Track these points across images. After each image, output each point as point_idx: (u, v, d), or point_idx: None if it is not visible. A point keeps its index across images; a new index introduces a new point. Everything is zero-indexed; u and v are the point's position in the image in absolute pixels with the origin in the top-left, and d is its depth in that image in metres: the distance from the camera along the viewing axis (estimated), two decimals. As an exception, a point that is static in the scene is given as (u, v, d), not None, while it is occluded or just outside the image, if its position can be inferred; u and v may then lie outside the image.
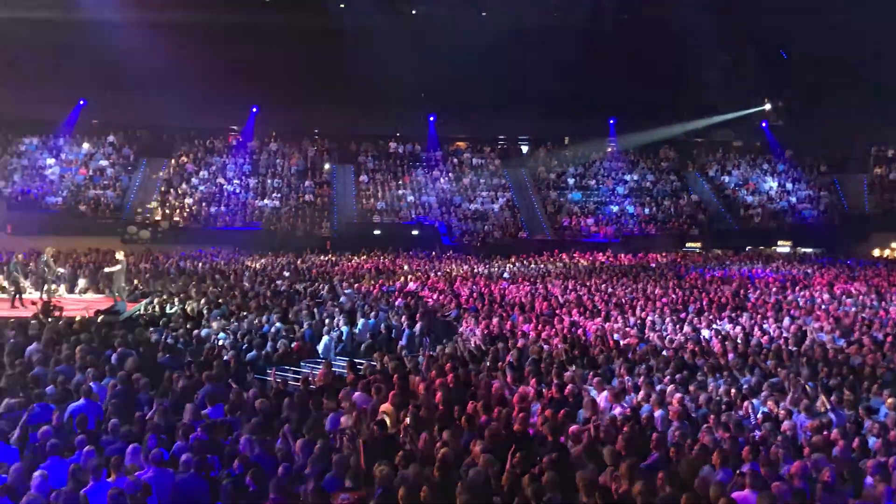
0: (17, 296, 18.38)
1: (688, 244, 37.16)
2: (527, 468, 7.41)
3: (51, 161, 38.53)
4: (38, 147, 39.38)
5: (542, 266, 29.17)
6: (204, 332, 15.44)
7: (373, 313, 17.53)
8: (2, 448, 8.51)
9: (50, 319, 15.87)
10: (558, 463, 7.46)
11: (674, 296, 20.86)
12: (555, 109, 40.53)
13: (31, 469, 7.71)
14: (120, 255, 20.06)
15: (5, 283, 18.90)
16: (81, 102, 39.46)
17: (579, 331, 15.93)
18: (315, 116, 41.47)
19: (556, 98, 39.55)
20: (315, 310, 18.08)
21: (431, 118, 43.02)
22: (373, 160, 42.23)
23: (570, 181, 42.29)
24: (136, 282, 22.64)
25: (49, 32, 33.90)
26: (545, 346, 14.06)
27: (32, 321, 15.40)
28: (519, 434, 8.75)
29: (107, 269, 21.08)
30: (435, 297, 20.91)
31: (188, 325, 16.12)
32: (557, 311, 18.31)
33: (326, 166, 41.49)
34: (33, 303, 18.27)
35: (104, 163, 39.21)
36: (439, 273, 26.15)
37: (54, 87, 37.60)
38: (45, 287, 19.71)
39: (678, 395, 10.58)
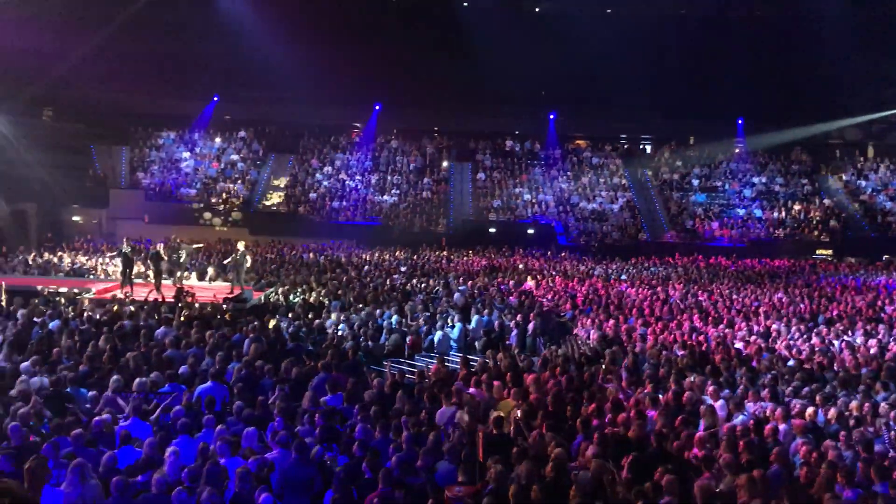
0: (159, 282, 19.54)
1: (818, 251, 35.33)
2: (641, 475, 7.28)
3: (186, 154, 40.66)
4: (174, 141, 41.62)
5: (662, 269, 28.47)
6: (326, 322, 15.94)
7: (486, 311, 17.62)
8: (136, 424, 9.11)
9: (181, 305, 16.84)
10: (674, 471, 7.28)
11: (802, 305, 19.93)
12: (680, 108, 39.39)
13: (164, 445, 8.22)
14: (240, 245, 21.04)
15: (149, 272, 20.06)
16: (215, 99, 41.31)
17: (700, 337, 15.47)
18: (435, 114, 41.97)
19: (682, 96, 38.40)
20: (430, 305, 18.34)
21: (551, 116, 42.70)
22: (490, 158, 42.33)
23: (695, 182, 41.01)
24: (261, 272, 23.70)
25: (186, 33, 35.90)
26: (664, 352, 13.74)
27: (165, 306, 16.39)
28: (633, 440, 8.60)
29: (225, 262, 22.12)
30: (550, 296, 20.79)
31: (309, 315, 16.72)
32: (677, 317, 17.85)
33: (444, 164, 41.91)
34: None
35: (235, 157, 41.04)
36: (555, 272, 25.96)
37: (191, 85, 39.77)
38: (178, 274, 20.88)
39: (810, 409, 10.06)
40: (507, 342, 15.63)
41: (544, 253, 32.12)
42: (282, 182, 39.91)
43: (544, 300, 20.11)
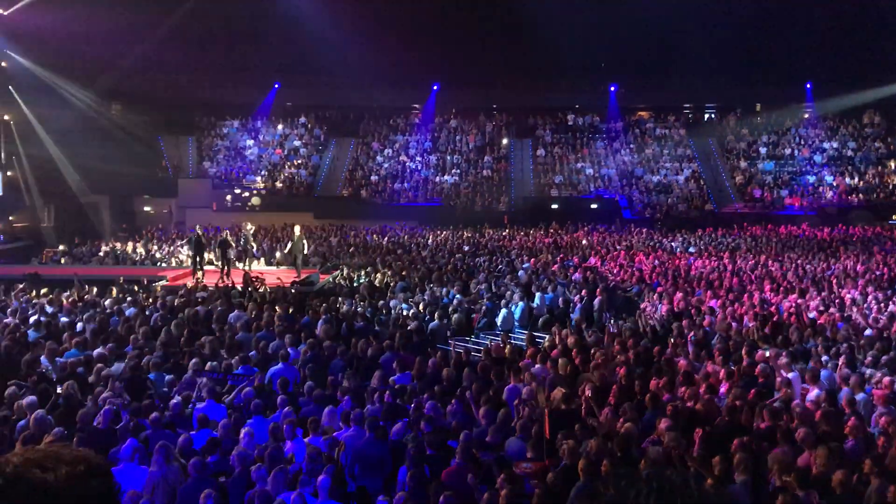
0: (227, 269, 20.02)
1: (894, 217, 34.03)
2: (714, 448, 7.17)
3: (250, 142, 41.40)
4: (238, 129, 42.43)
5: (730, 240, 27.84)
6: (391, 302, 16.12)
7: (550, 287, 17.55)
8: (210, 406, 9.38)
9: (251, 289, 17.23)
10: (748, 445, 7.15)
11: (878, 272, 19.25)
12: (745, 74, 38.23)
13: (238, 426, 8.45)
14: (297, 230, 21.37)
15: (218, 258, 20.59)
16: (276, 86, 41.72)
17: (772, 308, 15.10)
18: (493, 92, 41.70)
19: (747, 62, 37.28)
20: (493, 283, 18.37)
21: (612, 88, 41.97)
22: (550, 133, 41.92)
23: (762, 150, 39.86)
24: (326, 255, 24.08)
25: (246, 20, 36.41)
26: (734, 324, 13.46)
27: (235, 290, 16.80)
28: (705, 413, 8.48)
29: (287, 248, 22.45)
30: (616, 271, 20.56)
31: (375, 297, 16.92)
32: (748, 288, 17.45)
33: (504, 141, 41.69)
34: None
35: (297, 143, 41.61)
36: (620, 247, 25.63)
37: (252, 73, 40.35)
38: (246, 259, 21.36)
39: (887, 378, 9.76)
40: (572, 318, 15.53)
41: (608, 228, 31.73)
42: (343, 166, 40.32)
43: (610, 275, 19.90)
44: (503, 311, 15.68)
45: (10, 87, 30.80)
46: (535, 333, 13.94)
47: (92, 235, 29.67)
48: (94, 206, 33.65)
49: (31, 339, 12.16)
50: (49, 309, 14.64)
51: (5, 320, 13.49)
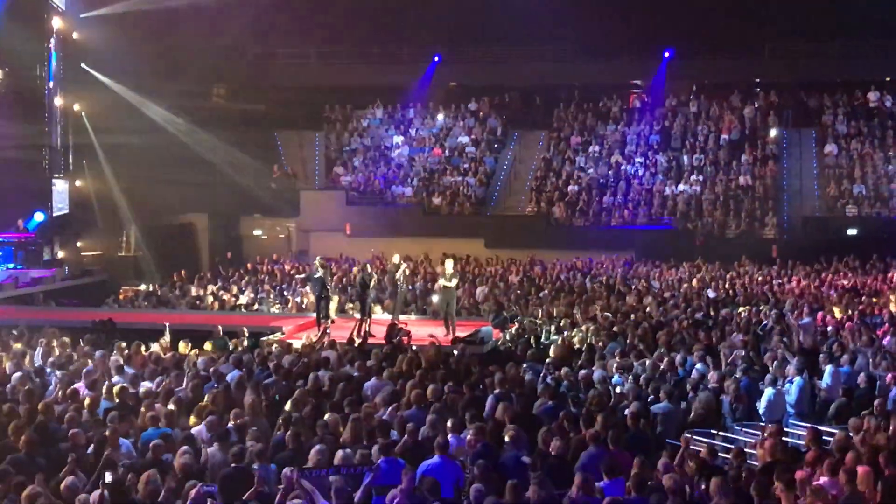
0: (366, 318, 20.64)
1: None
2: None
3: (398, 140, 42.72)
4: (382, 121, 43.91)
5: None
6: (595, 373, 16.01)
7: (845, 356, 16.97)
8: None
9: (397, 347, 17.69)
10: None
11: None
12: None
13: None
14: (448, 266, 21.84)
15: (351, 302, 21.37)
16: (436, 59, 42.32)
17: None
18: (755, 60, 40.83)
19: None
20: (755, 348, 17.84)
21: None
22: (845, 121, 40.43)
23: None
24: (502, 300, 24.32)
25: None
26: None
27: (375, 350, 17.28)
28: None
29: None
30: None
31: (573, 363, 16.86)
32: None
33: (772, 132, 40.57)
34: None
35: (464, 139, 42.40)
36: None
37: (402, 44, 41.64)
38: (395, 305, 22.02)
39: None
40: (884, 406, 14.79)
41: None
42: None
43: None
44: (769, 392, 15.20)
45: (82, 63, 32.68)
46: (822, 428, 13.43)
47: (188, 268, 31.20)
48: (188, 229, 35.54)
49: (101, 412, 13.00)
50: (129, 370, 15.62)
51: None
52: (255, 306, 25.92)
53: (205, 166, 33.46)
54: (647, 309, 22.81)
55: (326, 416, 12.69)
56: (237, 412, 12.95)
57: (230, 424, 12.49)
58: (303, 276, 26.75)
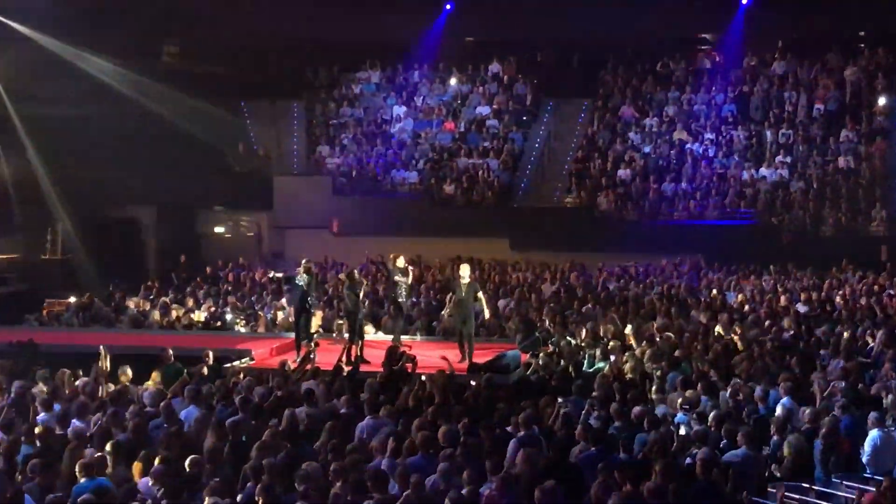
0: (357, 339, 20.59)
1: None
2: None
3: (399, 111, 42.44)
4: (379, 87, 43.66)
5: None
6: (656, 409, 15.93)
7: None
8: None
9: (396, 376, 17.64)
10: None
11: None
12: None
13: None
14: (464, 271, 21.73)
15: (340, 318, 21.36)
16: (448, 7, 41.91)
17: None
18: (859, 7, 40.63)
19: None
20: (857, 380, 17.77)
21: None
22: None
23: None
24: (531, 316, 24.25)
25: None
26: None
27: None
28: None
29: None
30: None
31: (625, 396, 16.78)
32: None
33: (881, 101, 40.42)
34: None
35: (484, 109, 42.22)
36: None
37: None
38: (396, 321, 22.00)
39: None
40: None
41: None
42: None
43: None
44: (875, 434, 15.10)
45: None
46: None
47: (131, 275, 31.22)
48: (132, 226, 35.45)
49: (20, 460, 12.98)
50: (56, 406, 15.54)
51: None
52: (217, 324, 25.85)
53: (153, 146, 33.31)
54: (720, 328, 22.69)
55: (305, 465, 12.63)
56: (194, 459, 12.90)
57: (184, 474, 12.47)
58: (280, 274, 26.39)
